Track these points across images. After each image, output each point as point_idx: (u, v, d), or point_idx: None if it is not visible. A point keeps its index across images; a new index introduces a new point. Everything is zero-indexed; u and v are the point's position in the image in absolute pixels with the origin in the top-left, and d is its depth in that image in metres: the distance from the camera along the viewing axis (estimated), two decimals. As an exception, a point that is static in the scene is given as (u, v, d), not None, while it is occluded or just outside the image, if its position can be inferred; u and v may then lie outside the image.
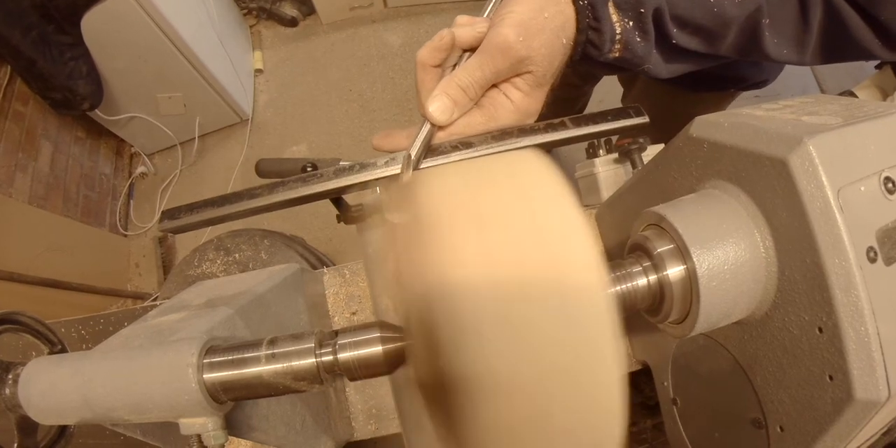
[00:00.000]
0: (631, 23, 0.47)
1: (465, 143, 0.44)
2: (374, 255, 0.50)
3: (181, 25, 1.67)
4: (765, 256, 0.34)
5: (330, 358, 0.32)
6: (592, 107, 1.54)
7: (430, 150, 0.43)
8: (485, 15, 0.46)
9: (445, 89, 0.42)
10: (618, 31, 0.47)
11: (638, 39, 0.48)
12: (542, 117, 0.48)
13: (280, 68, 2.34)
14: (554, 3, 0.44)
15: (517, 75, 0.45)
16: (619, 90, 1.21)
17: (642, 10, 0.46)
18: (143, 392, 0.31)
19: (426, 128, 0.43)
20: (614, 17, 0.47)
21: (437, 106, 0.42)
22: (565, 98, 1.29)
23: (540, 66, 0.44)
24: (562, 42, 0.45)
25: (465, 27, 0.44)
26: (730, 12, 0.47)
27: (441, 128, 0.44)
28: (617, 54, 0.49)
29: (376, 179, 0.44)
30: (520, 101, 0.45)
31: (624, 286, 0.36)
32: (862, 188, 0.31)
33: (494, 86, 0.45)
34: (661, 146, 0.64)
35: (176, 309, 0.42)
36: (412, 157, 0.42)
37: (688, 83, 0.64)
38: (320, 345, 0.33)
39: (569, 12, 0.45)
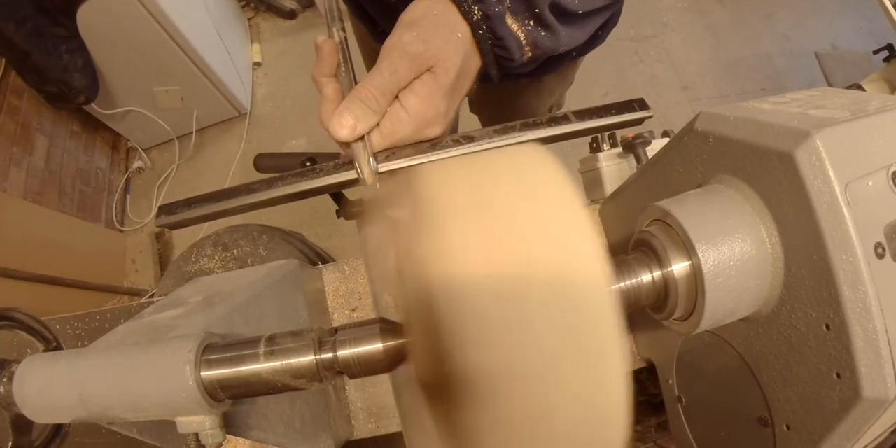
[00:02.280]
0: (531, 22, 0.47)
1: (466, 137, 0.43)
2: (374, 251, 0.49)
3: (178, 18, 1.65)
4: (771, 252, 0.33)
5: (329, 355, 0.32)
6: (596, 101, 1.53)
7: (432, 145, 0.43)
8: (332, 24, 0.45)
9: (347, 105, 0.40)
10: (522, 38, 0.47)
11: (543, 34, 0.48)
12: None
13: (279, 61, 2.32)
14: (438, 1, 0.44)
15: (417, 77, 0.43)
16: (621, 86, 1.21)
17: (537, 10, 0.46)
18: (139, 390, 0.30)
19: (358, 145, 0.42)
20: (514, 26, 0.46)
21: (336, 122, 0.40)
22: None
23: (440, 63, 0.42)
24: (457, 36, 0.44)
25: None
26: None
27: (348, 145, 0.42)
28: (529, 55, 0.48)
29: (377, 174, 0.44)
30: (416, 106, 0.42)
31: (628, 282, 0.35)
32: (870, 183, 0.30)
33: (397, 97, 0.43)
34: (666, 140, 0.63)
35: (173, 305, 0.41)
36: (363, 175, 0.41)
37: (534, 72, 0.64)
38: (319, 342, 0.32)
39: (456, 11, 0.44)
